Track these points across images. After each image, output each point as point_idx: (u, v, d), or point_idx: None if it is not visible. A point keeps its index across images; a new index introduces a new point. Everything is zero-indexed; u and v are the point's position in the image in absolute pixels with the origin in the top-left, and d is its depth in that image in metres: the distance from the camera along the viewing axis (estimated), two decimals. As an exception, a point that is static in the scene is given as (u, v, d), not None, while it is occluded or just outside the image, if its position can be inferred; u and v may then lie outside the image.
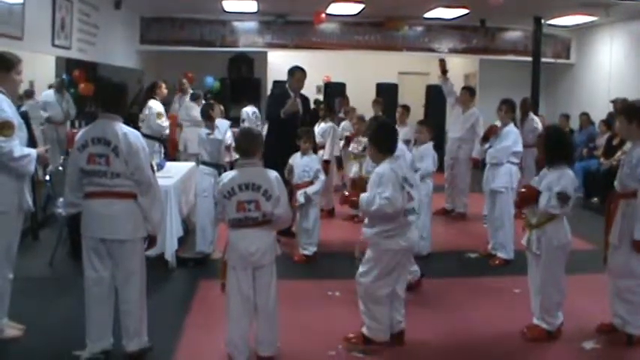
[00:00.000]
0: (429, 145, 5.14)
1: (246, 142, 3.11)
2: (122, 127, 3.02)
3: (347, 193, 3.31)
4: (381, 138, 3.23)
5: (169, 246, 4.71)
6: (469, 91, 6.99)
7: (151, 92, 7.08)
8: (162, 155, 6.32)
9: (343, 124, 7.87)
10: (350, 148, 7.10)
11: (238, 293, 3.02)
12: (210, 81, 10.37)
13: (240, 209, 3.01)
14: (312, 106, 6.37)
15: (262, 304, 3.06)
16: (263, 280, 3.06)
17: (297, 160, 5.27)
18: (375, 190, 3.07)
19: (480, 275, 4.81)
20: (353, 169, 6.95)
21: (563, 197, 3.30)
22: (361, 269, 3.23)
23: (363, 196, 3.12)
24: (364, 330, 3.21)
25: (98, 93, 3.25)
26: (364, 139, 6.36)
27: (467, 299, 4.23)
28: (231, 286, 3.06)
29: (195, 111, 7.15)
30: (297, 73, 5.58)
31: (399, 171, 3.11)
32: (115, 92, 3.12)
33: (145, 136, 3.49)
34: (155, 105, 7.01)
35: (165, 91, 7.17)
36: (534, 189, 3.43)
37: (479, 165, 6.00)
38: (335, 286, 4.27)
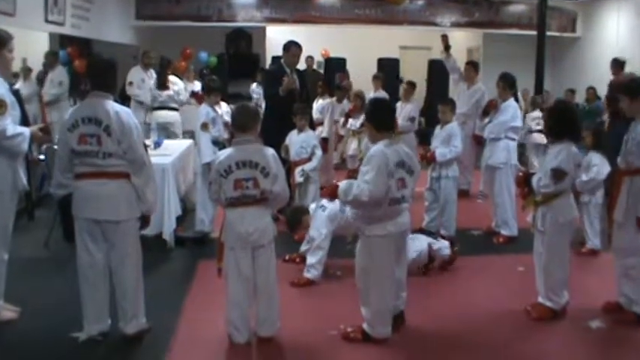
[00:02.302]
0: (454, 124, 5.09)
1: (242, 118, 3.07)
2: (113, 106, 2.96)
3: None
4: (378, 116, 3.14)
5: (167, 225, 4.69)
6: (473, 67, 6.89)
7: (166, 69, 7.19)
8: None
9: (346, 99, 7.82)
10: (349, 125, 7.05)
11: (238, 274, 3.01)
12: (204, 56, 10.26)
13: (238, 187, 2.98)
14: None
15: (262, 284, 3.05)
16: (262, 260, 3.04)
17: (293, 138, 5.25)
18: (360, 173, 3.01)
19: (484, 253, 4.80)
20: (352, 146, 6.91)
21: (558, 174, 3.26)
22: (357, 256, 3.19)
23: (342, 184, 3.06)
24: (365, 327, 3.13)
25: (88, 70, 3.17)
26: (363, 116, 6.31)
27: (470, 278, 4.21)
28: (230, 267, 3.04)
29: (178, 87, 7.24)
30: (292, 48, 5.51)
31: (392, 155, 2.99)
32: (105, 69, 3.05)
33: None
34: (176, 80, 7.25)
35: (153, 59, 7.21)
36: (525, 173, 3.54)
37: (481, 142, 5.95)
38: (336, 265, 4.30)
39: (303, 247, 4.34)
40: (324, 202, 4.28)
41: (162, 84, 7.06)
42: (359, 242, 3.16)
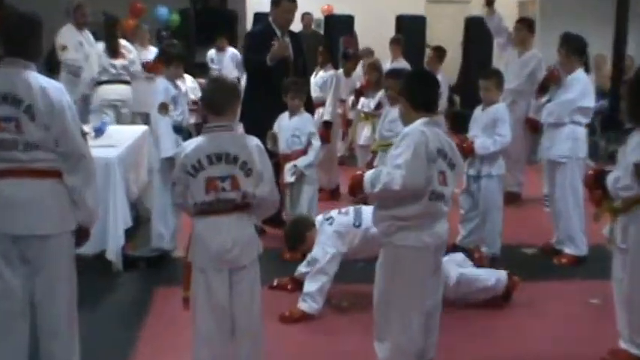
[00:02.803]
0: (501, 105, 5.11)
1: (216, 97, 3.08)
2: (38, 79, 2.91)
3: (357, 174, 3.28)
4: (418, 89, 3.23)
5: (113, 241, 4.70)
6: (527, 26, 6.88)
7: (115, 29, 7.20)
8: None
9: (357, 71, 7.81)
10: (360, 105, 7.06)
11: (209, 305, 3.02)
12: (163, 13, 10.26)
13: (211, 189, 2.98)
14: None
15: (242, 317, 3.07)
16: (243, 287, 3.07)
17: (284, 123, 5.27)
18: (391, 159, 3.04)
19: (542, 279, 4.80)
20: (363, 134, 6.91)
21: None
22: (377, 273, 3.20)
23: (369, 172, 3.12)
24: None
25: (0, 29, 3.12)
26: (379, 93, 6.31)
27: (524, 313, 4.21)
28: (199, 295, 3.03)
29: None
30: (283, 3, 5.51)
31: (433, 139, 3.05)
32: (24, 27, 2.97)
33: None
34: (129, 46, 7.30)
35: (89, 16, 7.21)
36: (596, 171, 3.53)
37: (538, 127, 5.95)
38: (340, 293, 4.27)
39: (302, 269, 4.36)
40: (333, 213, 4.30)
41: (113, 50, 7.05)
42: (381, 256, 3.18)
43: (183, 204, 3.10)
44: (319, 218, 4.35)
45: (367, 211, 3.69)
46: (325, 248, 4.08)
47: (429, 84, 3.30)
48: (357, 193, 3.23)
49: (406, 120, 3.20)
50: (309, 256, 4.26)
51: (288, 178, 5.18)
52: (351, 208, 4.29)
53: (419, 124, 3.09)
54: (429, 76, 3.47)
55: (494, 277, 4.27)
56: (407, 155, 2.97)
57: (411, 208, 3.03)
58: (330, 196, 6.82)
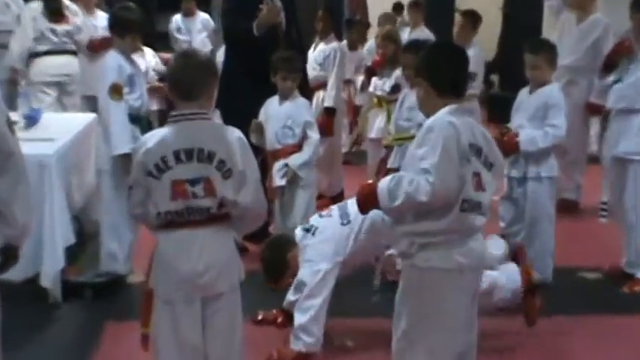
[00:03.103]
0: (554, 86, 5.11)
1: (186, 76, 3.10)
2: None
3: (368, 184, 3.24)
4: (442, 68, 3.18)
5: (49, 263, 4.70)
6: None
7: None
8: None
9: (369, 44, 7.83)
10: (371, 87, 7.08)
11: (176, 343, 3.05)
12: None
13: (179, 195, 3.00)
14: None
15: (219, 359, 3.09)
16: (219, 320, 3.10)
17: (272, 110, 5.30)
18: (413, 160, 3.02)
19: (607, 311, 4.81)
20: (376, 124, 6.92)
21: None
22: (395, 311, 3.19)
23: (384, 181, 3.07)
24: None
25: None
26: (396, 72, 6.32)
27: (586, 352, 4.23)
28: (162, 332, 3.05)
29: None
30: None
31: (465, 132, 3.01)
32: None
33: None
34: (76, 8, 7.32)
35: None
36: None
37: (602, 115, 5.97)
38: (344, 329, 4.28)
39: (290, 297, 4.38)
40: (313, 220, 4.33)
41: (54, 11, 7.03)
42: (401, 282, 3.18)
43: (143, 214, 3.11)
44: (297, 232, 4.35)
45: (353, 202, 3.68)
46: (313, 266, 4.09)
47: (457, 60, 3.25)
48: (370, 209, 3.20)
49: (427, 108, 3.18)
50: (295, 280, 4.27)
51: (278, 180, 5.20)
52: (334, 207, 4.36)
53: (445, 113, 3.06)
54: (456, 49, 3.44)
55: (504, 275, 4.31)
56: (434, 155, 2.93)
57: (436, 223, 3.00)
58: (332, 203, 6.82)
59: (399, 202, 2.98)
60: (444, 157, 2.93)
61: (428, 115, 3.15)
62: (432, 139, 2.99)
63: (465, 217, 3.02)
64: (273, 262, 4.35)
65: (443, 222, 3.00)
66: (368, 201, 3.13)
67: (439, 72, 3.18)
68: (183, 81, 3.10)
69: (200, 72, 3.13)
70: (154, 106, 6.84)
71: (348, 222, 4.15)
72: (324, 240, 4.16)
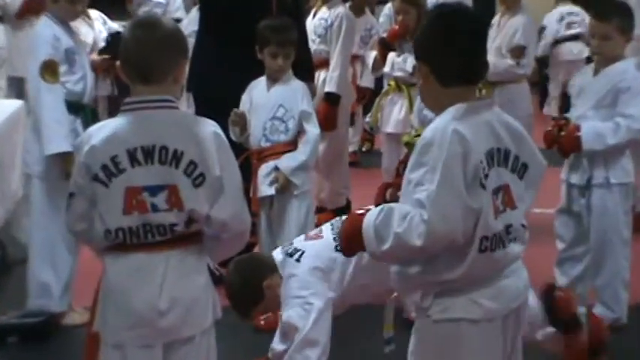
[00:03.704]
0: (630, 64, 5.09)
1: (144, 51, 3.11)
2: None
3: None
4: (444, 46, 3.04)
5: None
6: None
7: None
8: None
9: (385, 9, 7.82)
10: (387, 66, 7.09)
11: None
12: None
13: (134, 207, 3.02)
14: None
15: None
16: None
17: (258, 96, 5.32)
18: (407, 187, 2.94)
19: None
20: (393, 114, 6.92)
21: None
22: None
23: (370, 214, 2.97)
24: None
25: None
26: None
27: None
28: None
29: None
30: None
31: (476, 138, 2.91)
32: None
33: None
34: None
35: None
36: None
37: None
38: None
39: (277, 346, 4.39)
40: (298, 242, 4.36)
41: None
42: (414, 337, 3.16)
43: (86, 232, 3.13)
44: (277, 255, 4.37)
45: None
46: (303, 304, 4.10)
47: (467, 34, 3.10)
48: (355, 251, 3.11)
49: (430, 102, 3.15)
50: (280, 324, 4.28)
51: (266, 189, 5.22)
52: (324, 226, 4.38)
53: (449, 117, 2.96)
54: (467, 16, 3.22)
55: None
56: (431, 182, 2.85)
57: (453, 272, 2.96)
58: (334, 217, 6.85)
59: (387, 247, 2.90)
60: (444, 185, 2.84)
61: (435, 112, 3.07)
62: (431, 157, 2.89)
63: (487, 257, 2.97)
64: (242, 289, 4.33)
65: (459, 270, 2.95)
66: (352, 240, 3.04)
67: (441, 52, 3.06)
68: (141, 58, 3.10)
69: (163, 46, 3.12)
70: (103, 92, 6.84)
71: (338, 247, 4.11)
72: (312, 269, 4.16)
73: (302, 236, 4.44)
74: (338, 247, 4.10)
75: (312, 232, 4.41)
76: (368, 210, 3.00)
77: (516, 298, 3.12)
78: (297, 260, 4.21)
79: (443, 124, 2.92)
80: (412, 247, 2.84)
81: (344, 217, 3.27)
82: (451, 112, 2.95)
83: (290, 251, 4.29)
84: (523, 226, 3.09)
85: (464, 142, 2.88)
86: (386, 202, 3.13)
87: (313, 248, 4.23)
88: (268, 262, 4.39)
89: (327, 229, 4.32)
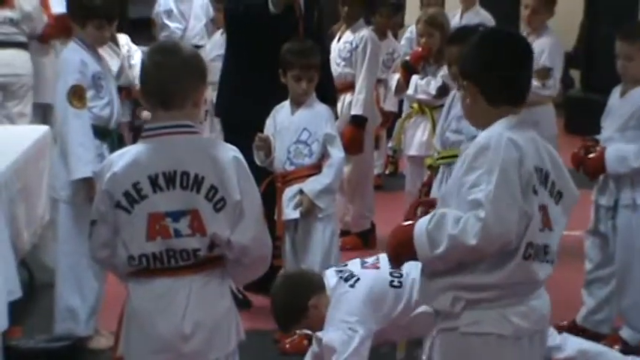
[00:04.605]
0: None
1: (164, 77, 3.11)
2: None
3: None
4: (493, 67, 3.11)
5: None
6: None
7: None
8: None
9: (408, 31, 7.78)
10: (411, 89, 7.08)
11: None
12: None
13: (157, 233, 3.04)
14: None
15: None
16: None
17: (282, 120, 5.31)
18: (459, 190, 2.96)
19: None
20: (417, 137, 6.90)
21: None
22: None
23: (421, 224, 2.99)
24: None
25: None
26: (444, 69, 6.31)
27: None
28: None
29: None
30: None
31: (530, 153, 2.97)
32: None
33: None
34: None
35: None
36: None
37: None
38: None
39: None
40: (354, 266, 4.34)
41: None
42: (440, 349, 3.14)
43: (109, 259, 3.14)
44: (330, 275, 4.36)
45: None
46: (347, 329, 4.09)
47: (515, 56, 3.18)
48: (404, 259, 3.12)
49: (476, 120, 3.17)
50: (315, 343, 4.27)
51: (290, 212, 5.20)
52: (382, 256, 4.29)
53: (502, 127, 3.02)
54: (515, 40, 3.32)
55: None
56: (489, 182, 2.88)
57: (490, 275, 2.97)
58: (361, 243, 6.88)
59: (442, 250, 2.91)
60: (502, 186, 2.87)
61: (480, 127, 3.13)
62: (486, 160, 2.93)
63: (528, 266, 2.98)
64: (286, 304, 4.35)
65: (499, 274, 2.96)
66: (402, 249, 3.05)
67: (490, 73, 3.12)
68: (160, 84, 3.11)
69: (182, 71, 3.13)
70: (129, 117, 6.87)
71: (400, 284, 4.15)
72: (365, 298, 4.15)
73: (357, 261, 4.43)
74: (394, 283, 4.17)
75: (370, 260, 4.38)
76: (411, 224, 3.03)
77: (543, 320, 3.13)
78: (352, 286, 4.20)
79: (497, 131, 3.00)
80: (467, 247, 2.87)
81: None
82: (503, 122, 3.03)
83: (345, 276, 4.28)
84: (547, 250, 3.08)
85: (519, 149, 2.94)
86: (416, 219, 3.11)
87: (369, 277, 4.23)
88: (316, 281, 4.41)
89: (384, 260, 4.22)
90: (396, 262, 3.20)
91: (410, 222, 3.06)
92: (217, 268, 3.10)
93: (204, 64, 3.31)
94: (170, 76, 3.12)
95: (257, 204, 3.16)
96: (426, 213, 3.13)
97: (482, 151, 2.96)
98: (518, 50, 3.24)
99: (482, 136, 3.03)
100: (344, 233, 6.59)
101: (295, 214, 5.19)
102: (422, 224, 2.97)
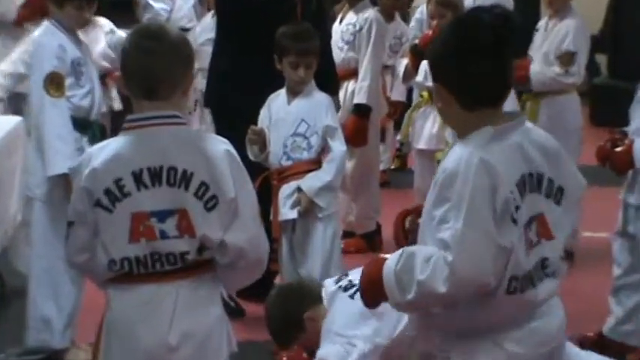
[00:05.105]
0: None
1: (148, 63, 3.10)
2: None
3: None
4: (462, 69, 2.94)
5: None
6: None
7: None
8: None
9: (417, 12, 7.80)
10: (420, 75, 7.08)
11: None
12: None
13: (141, 234, 3.03)
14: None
15: None
16: None
17: (277, 110, 5.33)
18: (429, 224, 2.90)
19: None
20: (426, 129, 6.90)
21: None
22: None
23: (390, 262, 2.94)
24: None
25: None
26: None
27: None
28: None
29: None
30: None
31: (508, 170, 2.87)
32: None
33: None
34: None
35: None
36: None
37: None
38: None
39: None
40: (355, 274, 4.29)
41: None
42: None
43: (88, 263, 3.13)
44: (328, 285, 4.37)
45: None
46: (345, 343, 4.10)
47: (488, 44, 2.94)
48: (378, 302, 3.08)
49: (454, 126, 3.10)
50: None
51: (287, 212, 5.21)
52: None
53: (474, 143, 2.91)
54: (484, 25, 2.99)
55: None
56: (457, 219, 2.81)
57: (472, 317, 2.94)
58: (365, 245, 6.89)
59: (411, 297, 2.86)
60: (471, 222, 2.79)
61: (458, 135, 3.01)
62: (455, 191, 2.84)
63: (516, 299, 2.93)
64: (281, 319, 4.39)
65: (482, 314, 2.93)
66: (374, 289, 3.02)
67: (460, 70, 2.96)
68: (145, 71, 3.10)
69: (170, 58, 3.12)
70: (118, 105, 6.88)
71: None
72: (366, 309, 4.14)
73: (360, 269, 4.34)
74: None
75: (372, 305, 4.32)
76: (382, 258, 2.99)
77: (548, 341, 3.08)
78: (351, 296, 4.18)
79: (467, 152, 2.86)
80: (437, 295, 2.80)
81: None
82: (475, 138, 2.90)
83: (345, 285, 4.28)
84: (561, 257, 3.04)
85: (492, 173, 2.83)
86: (405, 232, 3.08)
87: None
88: (313, 292, 4.42)
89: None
90: (371, 303, 3.14)
91: (383, 256, 3.02)
92: (207, 272, 3.09)
93: (192, 49, 3.31)
94: (156, 63, 3.10)
95: (253, 202, 3.16)
96: (414, 223, 3.10)
97: (450, 178, 2.85)
98: (488, 39, 2.97)
99: (452, 158, 2.90)
100: (347, 235, 6.62)
101: (293, 214, 5.19)
102: (391, 264, 2.92)
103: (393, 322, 4.13)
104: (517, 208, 2.85)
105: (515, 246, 2.83)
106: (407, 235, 3.28)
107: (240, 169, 3.12)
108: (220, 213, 3.04)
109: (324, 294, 4.32)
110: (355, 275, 4.25)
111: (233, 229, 3.06)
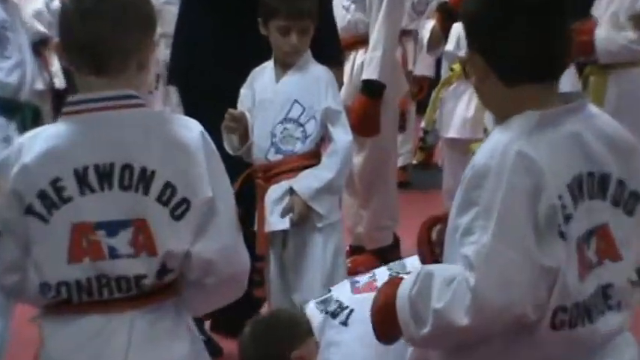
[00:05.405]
0: None
1: (95, 27, 3.09)
2: None
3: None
4: (505, 33, 2.98)
5: None
6: None
7: None
8: None
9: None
10: (450, 45, 7.11)
11: None
12: None
13: (84, 252, 3.03)
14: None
15: None
16: None
17: (263, 88, 5.36)
18: (453, 235, 2.91)
19: None
20: (457, 112, 6.92)
21: None
22: None
23: (404, 287, 2.96)
24: None
25: None
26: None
27: None
28: None
29: None
30: None
31: (558, 167, 2.87)
32: None
33: None
34: None
35: None
36: None
37: None
38: None
39: None
40: (343, 292, 4.35)
41: None
42: None
43: (17, 286, 3.13)
44: (312, 314, 4.29)
45: (415, 260, 3.58)
46: None
47: (541, 4, 3.00)
48: (393, 338, 3.13)
49: (492, 106, 3.13)
50: None
51: (276, 221, 5.22)
52: (379, 271, 4.32)
53: (513, 131, 2.91)
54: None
55: None
56: (485, 229, 2.80)
57: (512, 356, 2.93)
58: (378, 264, 6.86)
59: (427, 331, 2.85)
60: (502, 235, 2.77)
61: (497, 120, 3.02)
62: (485, 192, 2.84)
63: (564, 337, 2.91)
64: (265, 352, 4.35)
65: (521, 353, 2.93)
66: (386, 321, 3.05)
67: (499, 38, 2.99)
68: (91, 38, 3.09)
69: (122, 21, 3.11)
70: (59, 83, 6.94)
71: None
72: (364, 335, 4.15)
73: (346, 284, 4.35)
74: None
75: (362, 280, 4.30)
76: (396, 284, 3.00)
77: None
78: (344, 323, 4.16)
79: (503, 142, 2.86)
80: (458, 329, 2.78)
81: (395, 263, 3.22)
82: (515, 124, 2.89)
83: (332, 309, 4.22)
84: (631, 282, 3.00)
85: (533, 170, 2.81)
86: (431, 246, 3.06)
87: (366, 306, 4.16)
88: (299, 324, 4.37)
89: (382, 274, 4.19)
90: (385, 339, 3.18)
91: (402, 277, 3.05)
92: (169, 298, 3.09)
93: (152, 10, 3.28)
94: (103, 27, 3.08)
95: (230, 204, 3.15)
96: (443, 234, 3.06)
97: (479, 176, 2.86)
98: (543, 10, 2.99)
99: (484, 149, 2.91)
100: (354, 250, 6.66)
101: (284, 224, 5.19)
102: (406, 286, 2.93)
103: (399, 347, 4.16)
104: (568, 217, 2.80)
105: (563, 267, 2.77)
106: (434, 250, 3.21)
107: (215, 159, 3.11)
108: (192, 220, 3.02)
109: (314, 323, 4.31)
110: (342, 293, 4.25)
111: (202, 236, 3.03)
